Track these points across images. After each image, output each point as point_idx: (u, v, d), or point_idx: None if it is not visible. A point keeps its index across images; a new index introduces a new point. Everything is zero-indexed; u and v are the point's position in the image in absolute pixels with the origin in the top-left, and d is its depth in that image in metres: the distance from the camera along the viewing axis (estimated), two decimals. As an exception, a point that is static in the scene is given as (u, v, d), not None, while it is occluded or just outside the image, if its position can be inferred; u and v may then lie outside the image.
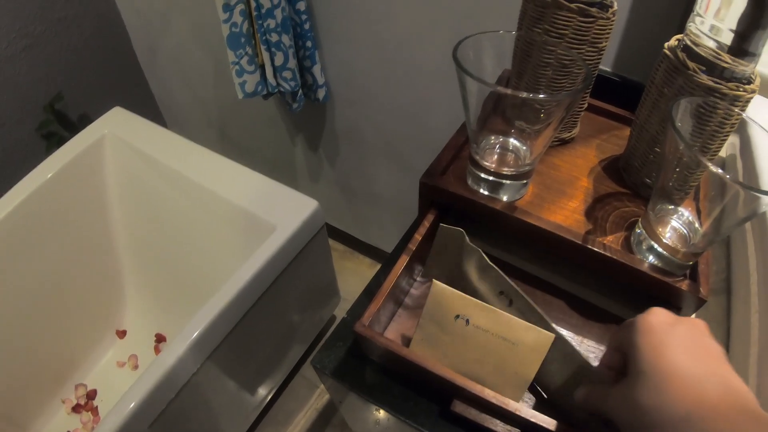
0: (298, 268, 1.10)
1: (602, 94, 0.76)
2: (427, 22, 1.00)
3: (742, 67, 0.51)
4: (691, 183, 0.60)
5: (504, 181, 0.58)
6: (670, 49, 0.56)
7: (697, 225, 0.56)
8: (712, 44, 0.52)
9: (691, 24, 0.54)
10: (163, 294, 1.47)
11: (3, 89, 1.38)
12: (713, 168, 0.43)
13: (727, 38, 0.50)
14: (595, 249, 0.55)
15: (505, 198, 0.59)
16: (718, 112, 0.52)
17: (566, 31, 0.57)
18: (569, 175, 0.65)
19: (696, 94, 0.53)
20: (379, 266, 0.69)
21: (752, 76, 0.53)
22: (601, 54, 0.62)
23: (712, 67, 0.52)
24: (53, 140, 1.53)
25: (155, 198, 1.31)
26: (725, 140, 0.55)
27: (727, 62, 0.51)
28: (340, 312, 1.52)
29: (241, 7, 1.06)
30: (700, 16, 0.52)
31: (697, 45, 0.52)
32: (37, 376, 1.37)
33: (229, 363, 1.07)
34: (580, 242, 0.55)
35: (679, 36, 0.56)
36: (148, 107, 1.77)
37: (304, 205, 1.06)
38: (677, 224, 0.57)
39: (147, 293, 1.51)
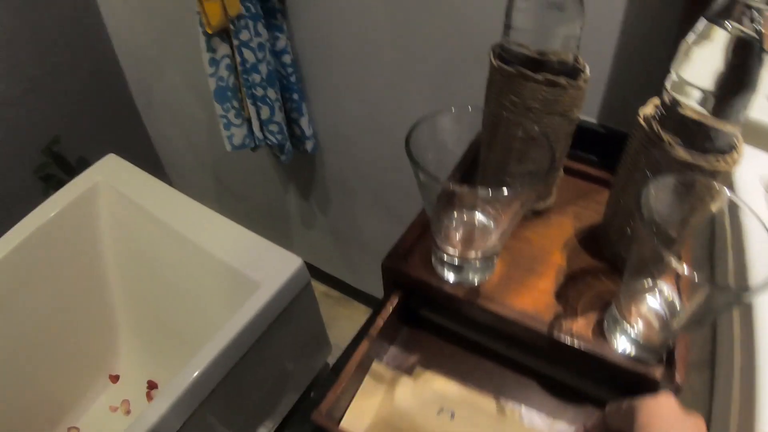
0: (283, 324, 1.09)
1: (587, 146, 0.74)
2: (408, 76, 0.99)
3: (724, 130, 0.48)
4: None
5: (468, 263, 0.56)
6: (645, 118, 0.53)
7: (677, 304, 0.54)
8: (691, 104, 0.48)
9: (668, 83, 0.50)
10: (155, 342, 1.46)
11: (1, 132, 1.39)
12: (681, 268, 0.41)
13: (707, 99, 0.47)
14: (562, 340, 0.53)
15: (469, 280, 0.58)
16: (697, 187, 0.49)
17: (534, 104, 0.56)
18: (541, 249, 0.63)
19: (673, 168, 0.50)
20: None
21: (735, 141, 0.51)
22: (574, 123, 0.60)
23: (689, 136, 0.49)
24: (51, 182, 1.53)
25: (146, 247, 1.31)
26: (707, 212, 0.52)
27: (706, 127, 0.48)
28: (333, 359, 1.49)
29: (227, 61, 1.06)
30: (677, 75, 0.49)
31: (674, 106, 0.49)
32: (31, 417, 1.37)
33: (218, 415, 1.05)
34: (545, 332, 0.53)
35: (656, 102, 0.53)
36: (146, 151, 1.78)
37: (289, 263, 1.06)
38: (654, 304, 0.54)
39: (140, 340, 1.50)
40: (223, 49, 1.05)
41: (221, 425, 1.09)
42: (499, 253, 0.59)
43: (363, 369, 0.59)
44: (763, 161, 0.67)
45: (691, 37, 0.46)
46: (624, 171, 0.57)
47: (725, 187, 0.48)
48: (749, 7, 0.42)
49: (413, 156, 0.47)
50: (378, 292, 1.58)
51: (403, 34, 0.96)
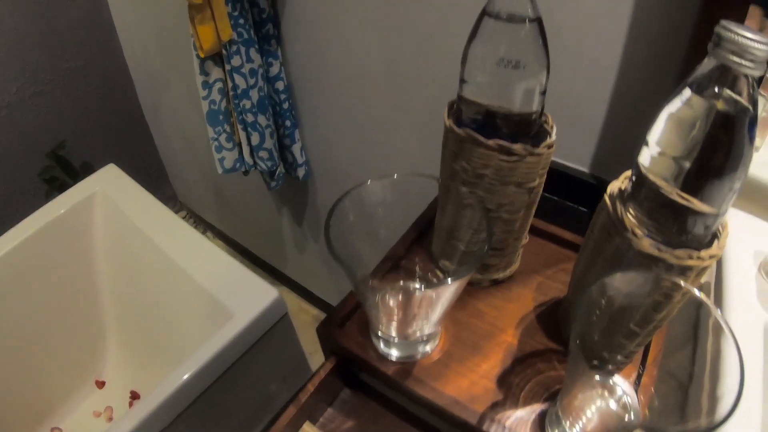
0: (258, 353, 1.07)
1: (576, 198, 0.70)
2: (398, 109, 0.97)
3: (704, 211, 0.41)
4: (630, 348, 0.53)
5: (403, 340, 0.53)
6: (611, 196, 0.48)
7: (631, 406, 0.50)
8: (663, 182, 0.42)
9: (642, 155, 0.44)
10: (140, 352, 1.47)
11: (9, 133, 1.41)
12: (607, 402, 0.38)
13: (685, 176, 0.41)
14: (483, 429, 0.49)
15: (404, 356, 0.55)
16: (661, 286, 0.44)
17: (485, 172, 0.51)
18: (492, 325, 0.59)
19: (636, 260, 0.45)
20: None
21: (719, 230, 0.44)
22: (535, 195, 0.56)
23: (662, 220, 0.43)
24: (54, 185, 1.55)
25: (134, 260, 1.32)
26: (672, 311, 0.46)
27: (682, 209, 0.41)
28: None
29: (219, 85, 1.05)
30: (654, 146, 0.42)
31: (644, 182, 0.43)
32: (17, 415, 1.39)
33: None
34: (474, 424, 0.50)
35: (627, 174, 0.48)
36: (151, 160, 1.79)
37: (264, 295, 1.04)
38: (607, 400, 0.50)
39: (126, 349, 1.51)
40: (216, 73, 1.04)
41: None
42: (437, 330, 0.55)
43: (292, 429, 0.57)
44: (761, 232, 0.62)
45: (674, 104, 0.40)
46: (586, 252, 0.52)
47: (695, 290, 0.42)
48: (745, 76, 0.37)
49: (333, 248, 0.44)
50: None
51: (394, 70, 0.94)
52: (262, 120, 1.06)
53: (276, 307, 1.04)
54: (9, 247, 1.26)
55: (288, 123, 1.10)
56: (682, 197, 0.41)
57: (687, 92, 0.39)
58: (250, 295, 1.04)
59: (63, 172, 1.55)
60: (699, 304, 0.42)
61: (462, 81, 0.51)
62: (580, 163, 0.80)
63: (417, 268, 0.64)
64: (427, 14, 0.83)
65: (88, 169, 1.52)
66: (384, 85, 0.97)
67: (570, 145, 0.78)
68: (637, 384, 0.51)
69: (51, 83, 1.44)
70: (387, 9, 0.87)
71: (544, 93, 0.50)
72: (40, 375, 1.42)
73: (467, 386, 0.54)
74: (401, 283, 0.42)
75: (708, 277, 0.62)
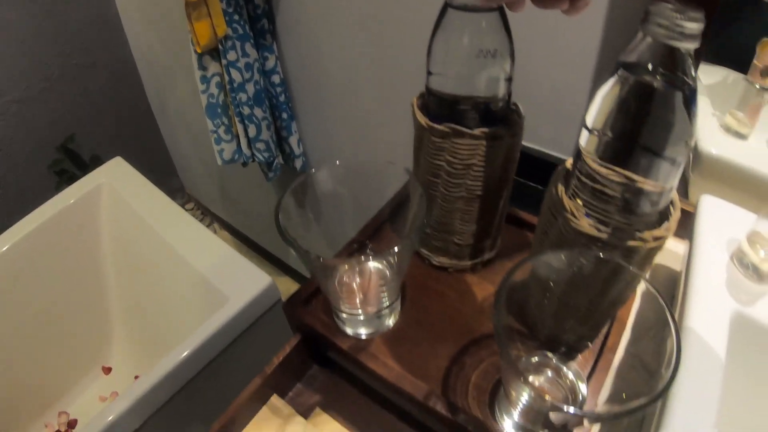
0: (251, 338, 1.11)
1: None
2: (388, 102, 1.00)
3: (647, 189, 0.41)
4: (583, 332, 0.54)
5: (358, 317, 0.56)
6: (554, 178, 0.49)
7: (579, 387, 0.51)
8: (598, 159, 0.41)
9: (581, 137, 0.43)
10: (144, 339, 1.51)
11: (20, 127, 1.46)
12: (537, 394, 0.39)
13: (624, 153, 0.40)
14: (439, 410, 0.50)
15: (360, 333, 0.57)
16: (601, 269, 0.44)
17: (473, 161, 0.53)
18: (453, 308, 0.61)
19: (578, 241, 0.45)
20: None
21: (670, 209, 0.44)
22: (513, 173, 0.57)
23: (607, 203, 0.42)
24: (64, 177, 1.60)
25: (138, 250, 1.36)
26: (627, 295, 0.47)
27: (625, 188, 0.41)
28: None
29: (216, 79, 1.08)
30: (591, 128, 0.42)
31: (583, 163, 0.43)
32: (26, 398, 1.44)
33: (179, 420, 1.08)
34: (420, 398, 0.51)
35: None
36: (159, 154, 1.83)
37: (258, 281, 1.07)
38: (556, 384, 0.51)
39: (131, 335, 1.55)
40: (214, 67, 1.07)
41: (186, 424, 1.11)
42: (393, 307, 0.57)
43: (260, 400, 0.60)
44: (737, 221, 0.61)
45: (609, 83, 0.40)
46: (537, 234, 0.54)
47: (639, 273, 0.42)
48: (678, 50, 0.36)
49: (282, 229, 0.46)
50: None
51: (381, 64, 0.96)
52: (258, 112, 1.09)
53: (269, 292, 1.07)
54: (19, 237, 1.31)
55: (285, 115, 1.13)
56: (607, 167, 0.41)
57: (620, 71, 0.39)
58: (244, 281, 1.08)
59: (72, 165, 1.60)
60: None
61: (429, 73, 0.52)
62: (564, 152, 0.81)
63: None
64: (410, 11, 0.85)
65: (97, 162, 1.56)
66: (372, 79, 1.00)
67: (554, 135, 0.79)
68: (591, 371, 0.51)
69: (60, 79, 1.48)
70: (375, 5, 0.90)
71: (509, 79, 0.51)
72: (49, 361, 1.46)
73: (420, 364, 0.55)
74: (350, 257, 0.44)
75: (682, 267, 0.62)
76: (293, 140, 1.17)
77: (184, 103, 1.54)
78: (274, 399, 0.61)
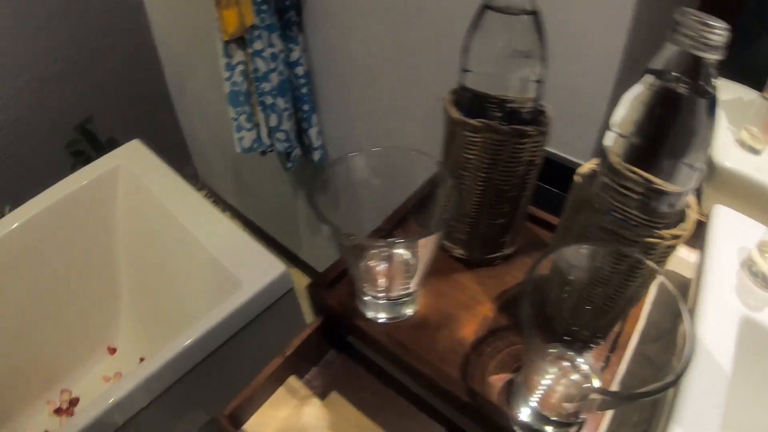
0: (262, 325, 1.12)
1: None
2: (409, 99, 1.02)
3: (666, 190, 0.43)
4: (599, 326, 0.56)
5: (384, 301, 0.58)
6: (578, 176, 0.51)
7: (592, 376, 0.52)
8: (622, 161, 0.44)
9: (606, 138, 0.46)
10: (151, 321, 1.52)
11: (39, 105, 1.47)
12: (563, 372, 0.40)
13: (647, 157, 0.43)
14: (455, 393, 0.52)
15: (384, 318, 0.59)
16: (621, 264, 0.46)
17: (501, 156, 0.55)
18: (472, 298, 0.63)
19: (598, 236, 0.48)
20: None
21: (686, 211, 0.47)
22: (537, 170, 0.60)
23: (625, 199, 0.44)
24: (80, 158, 1.61)
25: (152, 233, 1.37)
26: (642, 292, 0.49)
27: (646, 188, 0.43)
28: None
29: (241, 67, 1.10)
30: (613, 128, 0.44)
31: (608, 161, 0.45)
32: (30, 375, 1.45)
33: (182, 404, 1.10)
34: (441, 383, 0.53)
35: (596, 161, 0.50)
36: (175, 138, 1.85)
37: (272, 268, 1.08)
38: (570, 375, 0.52)
39: (139, 318, 1.57)
40: (239, 55, 1.09)
41: (190, 409, 1.13)
42: (415, 294, 0.59)
43: (277, 381, 0.61)
44: (747, 231, 0.63)
45: (636, 88, 0.42)
46: (559, 230, 0.56)
47: (652, 264, 0.45)
48: (703, 60, 0.38)
49: (317, 206, 0.48)
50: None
51: (403, 60, 0.98)
52: (280, 103, 1.11)
53: (282, 280, 1.09)
54: (32, 214, 1.32)
55: (306, 107, 1.15)
56: (631, 170, 0.43)
57: (648, 77, 0.42)
58: (258, 267, 1.09)
59: (89, 146, 1.61)
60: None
61: (464, 71, 0.55)
62: (579, 156, 0.83)
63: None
64: (434, 7, 0.87)
65: (113, 144, 1.58)
66: (395, 75, 1.02)
67: (572, 139, 0.81)
68: (604, 365, 0.53)
69: (80, 61, 1.50)
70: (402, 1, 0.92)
71: (540, 81, 0.54)
72: (55, 338, 1.48)
73: (439, 350, 0.57)
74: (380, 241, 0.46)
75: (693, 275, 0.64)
76: (313, 132, 1.19)
77: (203, 89, 1.56)
78: (292, 380, 0.63)
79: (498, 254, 0.66)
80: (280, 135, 1.15)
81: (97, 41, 1.50)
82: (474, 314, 0.61)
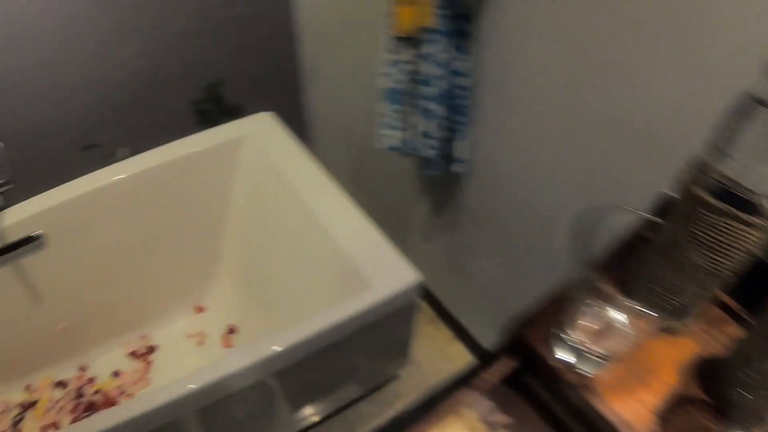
0: (378, 329, 1.11)
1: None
2: (569, 137, 0.99)
3: None
4: None
5: (588, 353, 0.57)
6: None
7: None
8: None
9: None
10: (249, 291, 1.54)
11: (174, 60, 1.48)
12: None
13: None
14: None
15: (581, 368, 0.58)
16: None
17: (726, 240, 0.54)
18: (658, 364, 0.62)
19: None
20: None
21: None
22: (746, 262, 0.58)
23: None
24: (204, 117, 1.63)
25: (271, 209, 1.38)
26: None
27: None
28: (406, 372, 1.52)
29: (405, 66, 1.09)
30: None
31: None
32: (114, 314, 1.50)
33: (281, 388, 1.10)
34: None
35: None
36: (299, 118, 1.84)
37: (405, 276, 1.06)
38: None
39: (235, 287, 1.59)
40: (405, 54, 1.08)
41: (279, 396, 1.13)
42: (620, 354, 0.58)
43: (453, 411, 0.61)
44: None
45: None
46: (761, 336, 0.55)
47: None
48: None
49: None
50: (472, 327, 1.58)
51: (573, 104, 0.96)
52: (438, 110, 1.09)
53: (412, 290, 1.07)
54: (153, 164, 1.35)
55: (463, 119, 1.12)
56: None
57: None
58: (390, 272, 1.07)
59: (215, 108, 1.63)
60: None
61: (722, 155, 0.53)
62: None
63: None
64: (637, 46, 0.82)
65: (239, 111, 1.59)
66: (560, 115, 0.99)
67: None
68: None
69: (222, 24, 1.49)
70: (583, 42, 0.89)
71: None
72: (145, 285, 1.52)
73: (629, 409, 0.56)
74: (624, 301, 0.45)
75: None
76: (465, 145, 1.15)
77: (342, 76, 1.56)
78: (467, 412, 0.62)
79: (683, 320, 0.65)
80: (430, 141, 1.13)
81: (241, 7, 1.50)
82: (659, 381, 0.60)
